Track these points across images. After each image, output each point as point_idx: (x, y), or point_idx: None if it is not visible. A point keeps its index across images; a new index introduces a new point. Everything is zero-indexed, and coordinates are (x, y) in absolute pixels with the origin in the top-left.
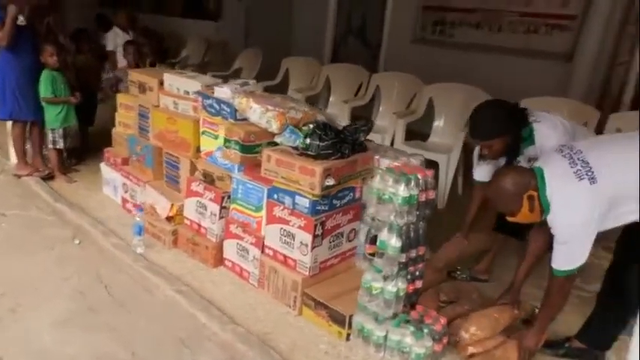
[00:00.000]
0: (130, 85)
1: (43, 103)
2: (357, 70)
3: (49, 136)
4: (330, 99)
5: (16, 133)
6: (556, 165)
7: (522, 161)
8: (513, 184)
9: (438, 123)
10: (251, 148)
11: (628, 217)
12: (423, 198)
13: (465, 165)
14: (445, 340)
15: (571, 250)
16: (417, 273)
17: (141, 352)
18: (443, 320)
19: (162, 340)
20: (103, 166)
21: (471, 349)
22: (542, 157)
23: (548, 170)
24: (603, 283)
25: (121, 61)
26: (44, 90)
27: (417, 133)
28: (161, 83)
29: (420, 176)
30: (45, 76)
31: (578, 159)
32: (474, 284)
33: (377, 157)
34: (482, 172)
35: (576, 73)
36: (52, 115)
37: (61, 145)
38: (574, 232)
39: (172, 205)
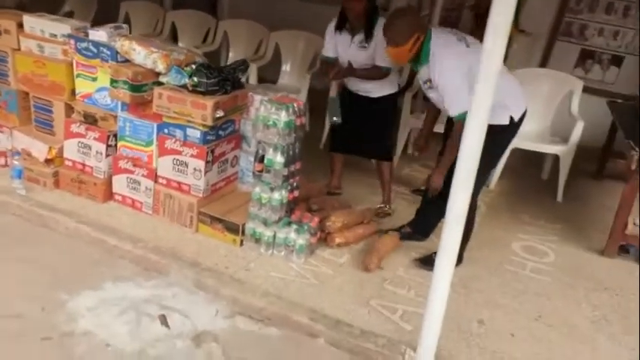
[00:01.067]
0: None
1: None
2: (203, 16)
3: None
4: (179, 44)
5: None
6: (443, 32)
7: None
8: (412, 19)
9: (285, 67)
10: (139, 87)
11: None
12: (298, 122)
13: (311, 105)
14: (318, 235)
15: (455, 97)
16: (295, 184)
17: (61, 273)
18: (316, 219)
19: (77, 262)
20: None
21: (337, 240)
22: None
23: (435, 32)
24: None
25: None
26: None
27: (265, 78)
28: (19, 26)
29: (295, 105)
30: None
31: (463, 37)
32: (334, 197)
33: (250, 93)
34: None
35: None
36: None
37: None
38: (450, 79)
39: (50, 148)
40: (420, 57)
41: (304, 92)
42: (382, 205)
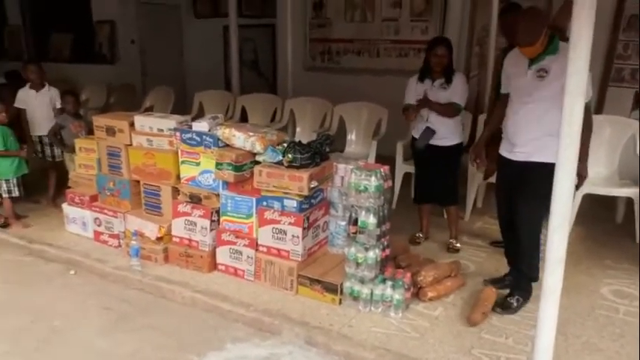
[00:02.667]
0: (97, 129)
1: None
2: (269, 97)
3: (4, 187)
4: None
5: None
6: None
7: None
8: (540, 18)
9: (351, 136)
10: (240, 167)
11: None
12: (385, 186)
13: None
14: (411, 290)
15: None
16: (386, 243)
17: (186, 338)
18: (408, 274)
19: (197, 327)
20: (66, 206)
21: (430, 294)
22: None
23: None
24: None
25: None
26: None
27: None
28: (131, 125)
29: (382, 170)
30: None
31: None
32: (417, 252)
33: (335, 163)
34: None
35: None
36: (6, 167)
37: (16, 193)
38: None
39: (160, 227)
40: (547, 49)
41: (372, 158)
42: (452, 241)
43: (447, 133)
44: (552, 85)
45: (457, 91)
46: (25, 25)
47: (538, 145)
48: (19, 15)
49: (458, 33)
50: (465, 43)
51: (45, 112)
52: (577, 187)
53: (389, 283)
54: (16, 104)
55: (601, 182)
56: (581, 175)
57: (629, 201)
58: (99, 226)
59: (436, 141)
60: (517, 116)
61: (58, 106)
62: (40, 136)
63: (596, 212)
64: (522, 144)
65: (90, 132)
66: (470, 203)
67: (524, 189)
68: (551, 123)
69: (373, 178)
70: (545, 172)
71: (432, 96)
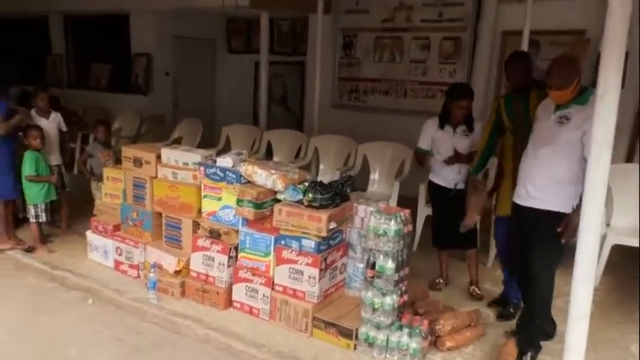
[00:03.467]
0: (125, 160)
1: (26, 182)
2: (295, 134)
3: (32, 211)
4: (275, 160)
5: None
6: None
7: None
8: (574, 65)
9: (374, 176)
10: (261, 204)
11: None
12: (405, 230)
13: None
14: (429, 339)
15: None
16: (404, 289)
17: None
18: (426, 322)
19: None
20: (89, 234)
21: (448, 344)
22: None
23: None
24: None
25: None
26: (28, 169)
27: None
28: (158, 157)
29: (402, 214)
30: (29, 157)
31: None
32: (438, 299)
33: (355, 204)
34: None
35: None
36: (35, 192)
37: (43, 218)
38: None
39: (179, 260)
40: (576, 98)
41: (394, 198)
42: (474, 288)
43: (463, 177)
44: (570, 133)
45: (479, 138)
46: (68, 55)
47: (551, 192)
48: (64, 45)
49: (486, 76)
50: (494, 87)
51: (54, 139)
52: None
53: (406, 330)
54: None
55: (631, 233)
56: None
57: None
58: (120, 255)
59: (450, 184)
60: (531, 161)
61: (64, 129)
62: (50, 166)
63: (627, 263)
64: (536, 190)
65: (118, 161)
66: (493, 249)
67: (538, 237)
68: (565, 171)
69: (393, 222)
70: (557, 221)
71: (455, 142)
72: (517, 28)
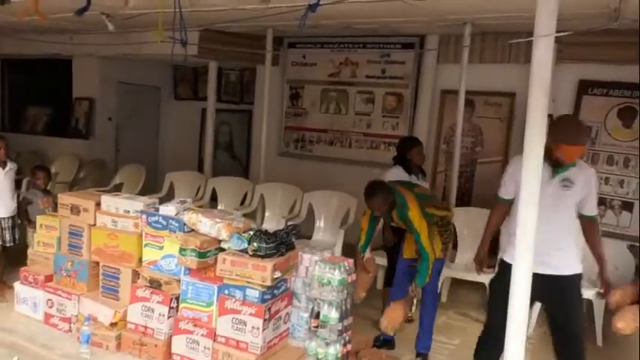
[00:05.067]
0: (61, 207)
1: None
2: (240, 181)
3: None
4: (219, 208)
5: None
6: None
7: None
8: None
9: (319, 224)
10: (204, 253)
11: None
12: (349, 280)
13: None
14: None
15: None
16: (348, 338)
17: None
18: None
19: None
20: (18, 285)
21: None
22: None
23: None
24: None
25: None
26: None
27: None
28: (97, 204)
29: (346, 264)
30: None
31: None
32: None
33: (300, 253)
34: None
35: None
36: None
37: None
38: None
39: (116, 312)
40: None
41: (339, 246)
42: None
43: None
44: (576, 195)
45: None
46: (3, 98)
47: (566, 257)
48: None
49: (427, 130)
50: (434, 140)
51: (8, 191)
52: (603, 295)
53: None
54: None
55: None
56: (607, 282)
57: (590, 302)
58: (50, 307)
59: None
60: (541, 226)
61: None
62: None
63: None
64: (551, 256)
65: (56, 208)
66: None
67: (574, 301)
68: (574, 231)
69: (337, 272)
70: (577, 283)
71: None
72: (454, 88)
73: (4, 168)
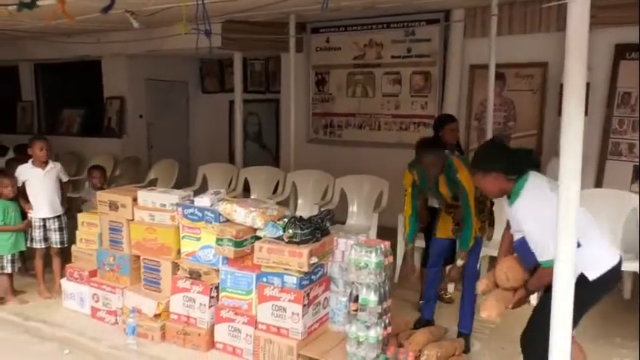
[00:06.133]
0: (100, 204)
1: None
2: (272, 170)
3: None
4: (252, 197)
5: None
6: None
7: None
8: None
9: (352, 208)
10: (241, 242)
11: None
12: (386, 262)
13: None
14: None
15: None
16: (387, 321)
17: None
18: (411, 353)
19: None
20: (64, 281)
21: None
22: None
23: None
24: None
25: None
26: None
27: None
28: (134, 200)
29: (382, 246)
30: None
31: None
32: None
33: (335, 237)
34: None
35: None
36: (1, 242)
37: (9, 269)
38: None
39: (158, 303)
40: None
41: (374, 230)
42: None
43: None
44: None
45: None
46: (39, 101)
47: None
48: (33, 92)
49: (457, 107)
50: (464, 117)
51: (51, 192)
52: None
53: None
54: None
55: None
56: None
57: (637, 275)
58: (96, 302)
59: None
60: None
61: (64, 179)
62: (44, 219)
63: None
64: None
65: None
66: None
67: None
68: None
69: (373, 255)
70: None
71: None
72: (483, 62)
73: (44, 168)
